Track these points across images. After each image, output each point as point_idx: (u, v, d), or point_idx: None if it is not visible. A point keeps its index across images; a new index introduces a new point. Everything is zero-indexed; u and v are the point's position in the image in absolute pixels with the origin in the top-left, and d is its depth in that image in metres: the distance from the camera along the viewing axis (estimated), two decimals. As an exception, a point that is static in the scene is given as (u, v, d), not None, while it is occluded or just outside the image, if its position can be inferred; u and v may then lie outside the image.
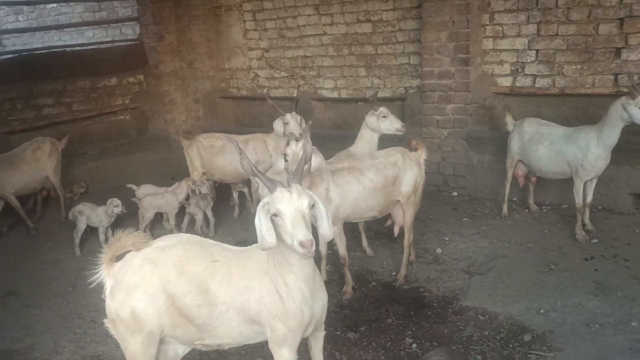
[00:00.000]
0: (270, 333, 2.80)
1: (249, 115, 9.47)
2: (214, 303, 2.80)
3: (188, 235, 3.13)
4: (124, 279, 2.87)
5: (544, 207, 6.21)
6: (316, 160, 4.28)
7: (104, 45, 10.07)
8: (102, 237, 6.09)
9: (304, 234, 2.46)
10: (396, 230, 5.00)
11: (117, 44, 10.01)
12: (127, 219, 6.58)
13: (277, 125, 5.93)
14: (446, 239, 5.67)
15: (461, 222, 6.06)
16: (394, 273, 5.10)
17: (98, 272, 2.98)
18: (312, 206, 2.58)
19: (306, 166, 4.31)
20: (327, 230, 2.66)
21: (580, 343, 3.75)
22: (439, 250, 5.45)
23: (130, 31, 10.48)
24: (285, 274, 2.70)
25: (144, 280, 2.82)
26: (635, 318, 3.96)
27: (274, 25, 8.71)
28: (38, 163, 6.76)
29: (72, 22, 11.27)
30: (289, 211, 2.51)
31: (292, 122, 5.71)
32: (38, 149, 6.79)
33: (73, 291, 5.21)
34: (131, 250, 2.96)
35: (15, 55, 9.24)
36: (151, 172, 9.07)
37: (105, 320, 3.00)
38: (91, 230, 6.24)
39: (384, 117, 5.41)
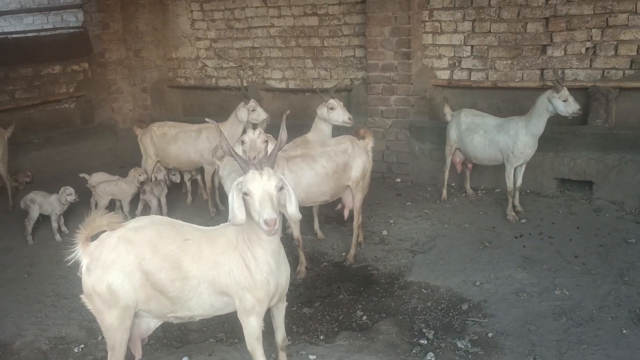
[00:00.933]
0: (239, 303, 3.07)
1: (197, 104, 9.58)
2: (186, 277, 3.04)
3: (160, 216, 3.34)
4: (100, 257, 3.06)
5: (479, 191, 6.74)
6: (271, 147, 4.53)
7: (46, 33, 9.84)
8: (54, 225, 6.12)
9: (269, 213, 2.70)
10: (346, 214, 5.35)
11: (60, 31, 9.82)
12: (78, 207, 6.62)
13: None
14: (391, 221, 6.08)
15: (405, 206, 6.48)
16: (343, 254, 5.45)
17: (74, 250, 3.14)
18: (281, 188, 2.84)
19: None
20: (294, 211, 2.92)
21: (510, 309, 4.23)
22: (385, 232, 5.85)
23: (72, 18, 10.30)
24: (254, 247, 2.97)
25: (119, 258, 3.02)
26: (558, 287, 4.48)
27: (221, 16, 8.85)
28: (-17, 152, 6.68)
29: (10, 8, 10.95)
30: (258, 191, 2.75)
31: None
32: (-18, 138, 6.70)
33: (29, 278, 5.26)
34: (106, 230, 3.14)
35: (-48, 41, 8.95)
36: (98, 161, 9.02)
37: (82, 296, 3.17)
38: (42, 219, 6.25)
39: (332, 109, 5.71)
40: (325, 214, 6.28)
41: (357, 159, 5.01)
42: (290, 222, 4.94)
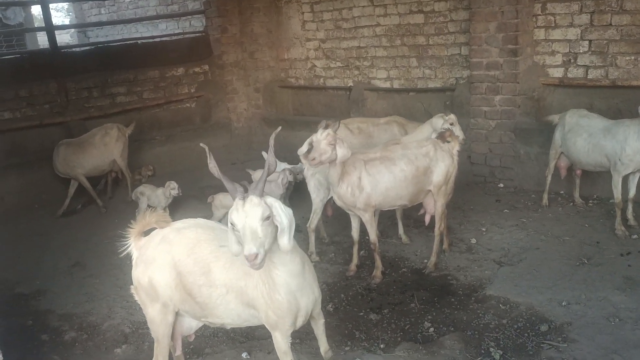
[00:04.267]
0: (264, 317, 3.04)
1: (307, 104, 9.78)
2: (214, 285, 3.06)
3: (205, 220, 3.42)
4: (145, 252, 3.25)
5: (590, 201, 6.12)
6: (341, 151, 4.47)
7: (173, 37, 10.66)
8: (160, 216, 6.62)
9: (247, 249, 2.56)
10: (427, 219, 5.15)
11: (186, 35, 10.58)
12: (185, 200, 7.11)
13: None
14: (483, 229, 5.73)
15: (501, 213, 6.08)
16: (425, 261, 5.24)
17: (127, 244, 3.36)
18: (267, 217, 2.64)
19: (338, 156, 4.55)
20: (286, 243, 2.72)
21: (596, 335, 3.79)
22: (473, 241, 5.53)
23: (198, 23, 11.05)
24: (270, 268, 2.89)
25: (159, 256, 3.17)
26: (659, 315, 3.93)
27: (330, 17, 8.93)
28: (106, 147, 7.40)
29: (147, 15, 12.03)
30: (240, 223, 2.62)
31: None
32: (106, 135, 7.43)
33: (130, 264, 5.70)
34: (156, 228, 3.32)
35: (93, 47, 10.02)
36: (215, 157, 9.58)
37: (131, 287, 3.39)
38: (154, 210, 6.77)
39: (452, 124, 5.43)
40: (415, 218, 6.08)
41: (439, 163, 4.79)
42: (366, 224, 4.86)
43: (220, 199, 6.06)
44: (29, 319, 4.75)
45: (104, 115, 8.76)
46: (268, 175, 2.85)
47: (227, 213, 5.74)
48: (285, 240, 2.74)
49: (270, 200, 2.73)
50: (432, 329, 4.14)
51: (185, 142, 9.52)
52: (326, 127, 4.54)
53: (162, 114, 9.65)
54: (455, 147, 4.94)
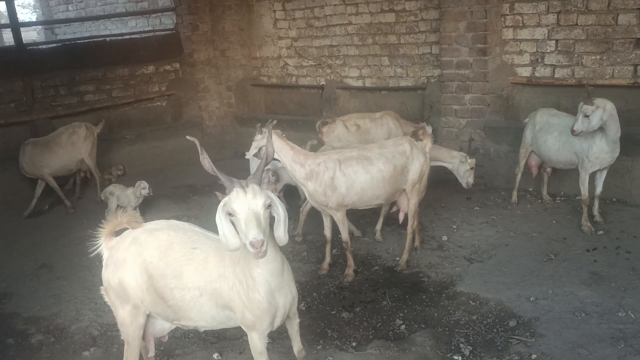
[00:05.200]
0: (241, 318, 2.99)
1: (279, 102, 9.76)
2: (187, 287, 3.01)
3: (178, 221, 3.36)
4: (116, 253, 3.19)
5: (557, 198, 6.24)
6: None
7: (143, 35, 10.50)
8: (130, 217, 6.52)
9: (254, 235, 2.52)
10: (401, 217, 5.18)
11: (156, 33, 10.44)
12: (156, 200, 7.02)
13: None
14: (454, 227, 5.80)
15: (472, 210, 6.16)
16: (397, 258, 5.27)
17: (98, 244, 3.31)
18: (269, 206, 2.65)
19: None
20: (282, 234, 2.74)
21: (563, 330, 3.86)
22: (444, 238, 5.59)
23: (169, 21, 10.89)
24: (251, 267, 2.82)
25: (130, 258, 3.11)
26: (623, 308, 4.03)
27: (302, 15, 8.92)
28: (73, 147, 7.25)
29: (116, 11, 11.82)
30: (243, 211, 2.57)
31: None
32: (73, 134, 7.28)
33: (100, 265, 5.58)
34: (127, 228, 3.27)
35: (60, 44, 9.80)
36: (185, 156, 9.47)
37: (101, 288, 3.34)
38: (122, 209, 6.66)
39: (471, 168, 5.56)
40: (388, 216, 6.09)
41: (415, 161, 4.81)
42: (338, 223, 4.87)
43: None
44: (-6, 323, 4.63)
45: (71, 113, 8.58)
46: (266, 164, 2.84)
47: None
48: (282, 231, 2.75)
49: (268, 191, 2.72)
50: (403, 327, 4.17)
51: (156, 141, 9.41)
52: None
53: (132, 113, 9.50)
54: (427, 145, 4.97)
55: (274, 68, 9.65)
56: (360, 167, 4.72)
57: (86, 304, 4.85)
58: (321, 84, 8.96)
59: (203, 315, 3.09)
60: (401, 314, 4.34)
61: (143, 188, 6.47)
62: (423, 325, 4.14)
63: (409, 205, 5.02)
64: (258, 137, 4.83)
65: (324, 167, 4.71)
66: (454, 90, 6.98)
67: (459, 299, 4.45)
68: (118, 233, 3.37)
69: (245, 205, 2.59)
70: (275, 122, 4.37)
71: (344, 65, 8.62)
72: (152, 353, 3.44)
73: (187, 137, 3.19)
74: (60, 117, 8.41)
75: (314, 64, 9.02)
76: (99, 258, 5.73)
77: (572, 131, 4.99)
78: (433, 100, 7.34)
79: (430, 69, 7.64)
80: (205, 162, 2.86)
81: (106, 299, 3.31)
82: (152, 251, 3.09)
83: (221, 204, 2.69)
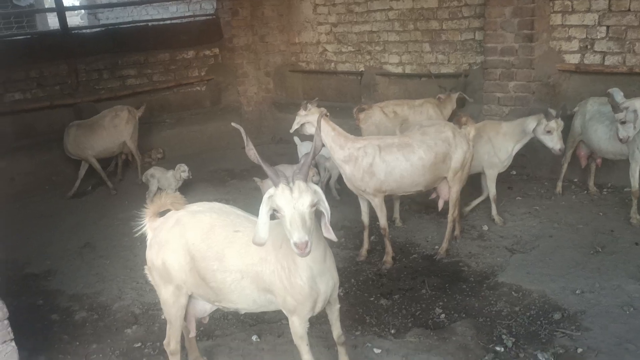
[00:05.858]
0: (282, 302, 2.98)
1: (317, 88, 9.70)
2: (229, 270, 3.01)
3: (220, 204, 3.35)
4: (159, 234, 3.21)
5: (604, 190, 6.04)
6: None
7: (183, 20, 10.57)
8: (170, 199, 6.60)
9: (299, 237, 2.49)
10: (440, 204, 5.10)
11: (196, 18, 10.50)
12: (195, 184, 7.08)
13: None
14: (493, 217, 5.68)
15: (514, 200, 6.02)
16: (436, 247, 5.20)
17: (142, 224, 3.34)
18: (315, 204, 2.60)
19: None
20: (329, 232, 2.74)
21: (609, 324, 3.74)
22: (485, 227, 5.48)
23: (209, 6, 10.92)
24: (293, 252, 2.76)
25: (172, 239, 3.13)
26: (675, 304, 3.88)
27: (342, 0, 8.82)
28: (116, 129, 7.37)
29: (157, -3, 11.93)
30: (288, 210, 2.54)
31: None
32: (116, 117, 7.40)
33: (141, 246, 5.63)
34: (171, 209, 3.29)
35: (103, 28, 9.96)
36: (224, 141, 9.56)
37: (145, 267, 3.37)
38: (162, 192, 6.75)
39: (549, 132, 5.11)
40: (426, 204, 6.03)
41: (458, 149, 4.71)
42: (376, 209, 4.82)
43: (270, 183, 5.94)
44: (39, 298, 4.77)
45: (114, 97, 8.73)
46: (314, 157, 2.79)
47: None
48: (330, 229, 2.73)
49: (314, 185, 2.67)
50: (443, 315, 4.11)
51: (195, 125, 9.50)
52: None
53: (172, 97, 9.60)
54: (471, 132, 4.86)
55: (313, 54, 9.58)
56: (400, 154, 4.64)
57: (128, 283, 4.94)
58: (360, 70, 8.87)
59: (244, 298, 3.10)
60: (441, 303, 4.28)
61: (183, 171, 6.54)
62: (464, 315, 4.07)
63: (450, 193, 4.93)
64: (302, 112, 4.85)
65: (364, 152, 4.66)
66: (497, 77, 6.80)
67: (500, 290, 4.36)
68: (162, 214, 3.40)
69: (290, 204, 2.55)
70: (317, 99, 4.39)
71: (384, 52, 8.50)
72: (193, 333, 3.48)
73: (233, 124, 3.19)
74: (103, 101, 8.57)
75: (353, 50, 8.92)
76: (140, 239, 5.82)
77: (620, 140, 4.85)
78: (475, 87, 7.17)
79: (473, 55, 7.46)
80: (251, 152, 2.83)
81: (149, 279, 3.35)
82: (194, 233, 3.10)
83: (267, 195, 2.66)
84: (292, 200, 2.56)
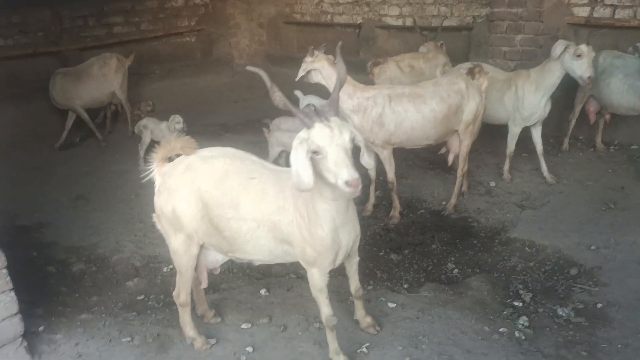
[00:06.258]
0: (301, 253, 2.82)
1: (313, 41, 9.29)
2: (244, 218, 2.83)
3: (233, 149, 3.15)
4: (168, 180, 3.01)
5: (611, 147, 5.93)
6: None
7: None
8: (164, 151, 6.35)
9: (350, 173, 2.33)
10: (450, 159, 4.95)
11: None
12: (191, 136, 6.76)
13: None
14: (502, 172, 5.55)
15: (520, 157, 5.87)
16: (443, 202, 5.09)
17: (150, 169, 3.13)
18: (354, 138, 2.46)
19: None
20: (368, 159, 2.65)
21: (627, 279, 3.67)
22: (492, 184, 5.36)
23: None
24: (315, 201, 2.63)
25: (183, 185, 2.93)
26: (692, 259, 3.82)
27: (341, -53, 8.45)
28: (105, 78, 7.04)
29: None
30: (332, 149, 2.36)
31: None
32: (105, 65, 7.06)
33: (136, 199, 5.52)
34: (180, 154, 3.08)
35: (89, -27, 9.45)
36: (215, 95, 9.28)
37: (153, 215, 3.18)
38: (154, 145, 6.47)
39: (579, 55, 4.64)
40: (430, 159, 5.89)
41: (470, 101, 4.53)
42: (384, 162, 4.66)
43: (277, 135, 5.66)
44: (32, 251, 4.55)
45: (100, 45, 8.35)
46: (340, 89, 2.61)
47: (282, 152, 5.50)
48: (367, 157, 2.64)
49: (345, 121, 2.51)
50: (456, 270, 4.01)
51: (185, 78, 9.20)
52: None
53: (162, 48, 9.24)
54: (484, 83, 4.68)
55: (308, 5, 9.22)
56: (411, 105, 4.45)
57: (126, 235, 4.75)
58: (358, 22, 8.56)
59: (260, 249, 2.93)
60: (452, 258, 4.18)
61: (177, 122, 6.26)
62: (477, 270, 3.97)
63: (460, 147, 4.78)
64: (308, 59, 4.63)
65: (373, 102, 4.46)
66: (504, 30, 6.58)
67: (513, 245, 4.26)
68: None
69: (333, 142, 2.37)
70: (325, 45, 4.19)
71: (383, 3, 8.18)
72: (204, 284, 3.31)
73: (249, 67, 2.95)
74: (89, 49, 8.19)
75: (350, 1, 8.59)
76: (134, 192, 5.67)
77: None
78: (480, 40, 6.95)
79: (478, 7, 7.20)
80: (276, 95, 2.60)
81: (158, 227, 3.16)
82: (207, 179, 2.91)
83: (297, 140, 2.45)
84: (333, 137, 2.38)
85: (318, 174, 2.49)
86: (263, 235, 2.86)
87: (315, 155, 2.43)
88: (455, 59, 6.88)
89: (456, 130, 4.69)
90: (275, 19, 9.52)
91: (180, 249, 3.05)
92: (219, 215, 2.87)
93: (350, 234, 2.84)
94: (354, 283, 3.20)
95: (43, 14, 8.03)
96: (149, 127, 6.31)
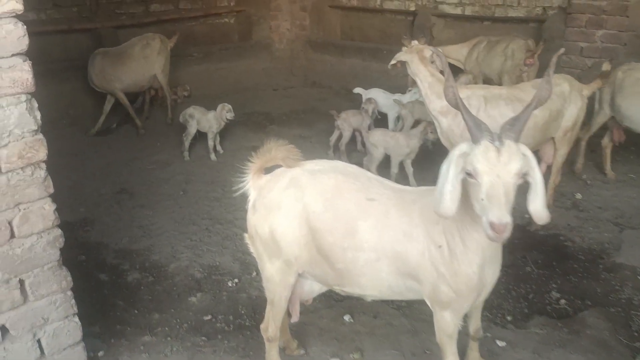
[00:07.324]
0: (431, 293, 2.35)
1: (357, 28, 8.85)
2: (362, 248, 2.37)
3: (345, 163, 2.68)
4: (268, 194, 2.53)
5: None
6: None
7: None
8: (210, 143, 5.88)
9: (499, 215, 1.89)
10: (543, 169, 4.43)
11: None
12: (230, 128, 6.32)
13: None
14: (589, 183, 5.08)
15: (602, 166, 5.38)
16: (526, 215, 4.58)
17: (244, 181, 2.65)
18: (525, 173, 1.99)
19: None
20: (541, 209, 2.06)
21: None
22: (578, 196, 4.88)
23: None
24: (466, 230, 2.19)
25: (287, 204, 2.47)
26: None
27: None
28: (146, 60, 6.56)
29: None
30: (489, 177, 1.93)
31: None
32: (147, 46, 6.57)
33: (184, 196, 5.08)
34: (281, 165, 2.60)
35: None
36: (254, 81, 8.79)
37: (245, 235, 2.71)
38: (200, 135, 6.01)
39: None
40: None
41: (572, 105, 4.05)
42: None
43: (377, 135, 5.06)
44: (80, 253, 4.10)
45: (136, 24, 7.86)
46: (536, 107, 2.12)
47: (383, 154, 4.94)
48: (540, 205, 2.05)
49: (524, 148, 2.01)
50: (563, 301, 3.53)
51: (223, 62, 8.69)
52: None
53: (199, 28, 8.72)
54: (591, 88, 4.19)
55: (357, -13, 8.65)
56: (509, 109, 3.95)
57: (180, 239, 4.30)
58: (411, 9, 8.02)
59: (377, 284, 2.46)
60: (554, 285, 3.70)
61: (228, 111, 5.79)
62: (588, 303, 3.49)
63: (554, 156, 4.29)
64: (404, 49, 4.12)
65: (467, 104, 3.95)
66: (583, 24, 6.05)
67: (621, 273, 3.77)
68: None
69: (494, 170, 1.92)
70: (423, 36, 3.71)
71: (442, -12, 7.64)
72: (295, 318, 2.84)
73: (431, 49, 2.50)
74: (125, 28, 7.69)
75: (405, -15, 8.04)
76: (181, 187, 5.21)
77: None
78: (553, 35, 6.40)
79: (550, -3, 6.65)
80: (450, 91, 2.15)
81: (251, 249, 2.70)
82: (315, 198, 2.44)
83: (457, 151, 2.02)
84: (497, 164, 1.92)
85: (468, 195, 2.06)
86: (383, 269, 2.39)
87: (469, 178, 1.99)
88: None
89: (552, 138, 4.20)
90: (319, 1, 8.95)
91: (276, 277, 2.59)
92: (331, 244, 2.41)
93: (496, 270, 2.38)
94: (476, 322, 2.74)
95: (77, -13, 7.52)
96: (195, 117, 5.83)
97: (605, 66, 4.71)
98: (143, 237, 4.34)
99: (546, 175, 4.42)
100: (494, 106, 3.95)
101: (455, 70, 5.90)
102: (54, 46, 7.35)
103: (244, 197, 2.67)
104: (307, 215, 2.44)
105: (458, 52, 6.42)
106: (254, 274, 3.82)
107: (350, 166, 2.62)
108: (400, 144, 4.93)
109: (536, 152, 4.34)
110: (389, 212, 2.37)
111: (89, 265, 3.95)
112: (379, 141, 5.00)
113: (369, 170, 5.10)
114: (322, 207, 2.43)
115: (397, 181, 5.14)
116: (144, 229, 4.47)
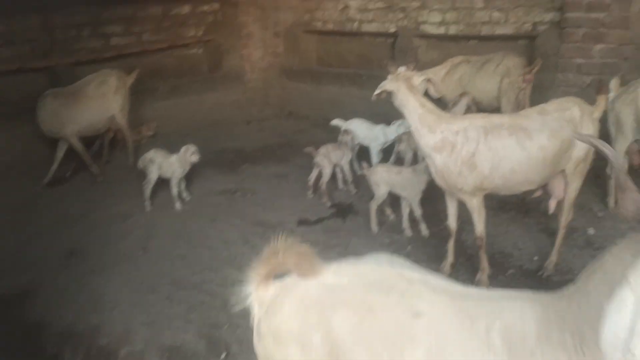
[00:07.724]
0: None
1: (335, 53, 8.34)
2: None
3: (374, 257, 1.99)
4: (274, 318, 1.87)
5: None
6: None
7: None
8: (174, 190, 5.23)
9: None
10: (552, 206, 3.86)
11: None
12: (199, 168, 5.68)
13: None
14: (599, 215, 4.53)
15: (604, 193, 4.85)
16: (535, 258, 4.05)
17: (244, 293, 1.94)
18: None
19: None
20: None
21: None
22: (591, 231, 4.33)
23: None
24: None
25: (300, 336, 1.82)
26: None
27: (370, -55, 7.42)
28: (103, 99, 5.95)
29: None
30: None
31: None
32: (103, 83, 5.97)
33: (144, 256, 4.42)
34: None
35: (82, -24, 8.36)
36: (225, 114, 8.23)
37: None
38: (163, 181, 5.36)
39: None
40: (499, 199, 4.81)
41: (584, 132, 3.49)
42: (472, 212, 3.60)
43: (380, 172, 4.54)
44: (12, 339, 3.41)
45: (96, 59, 7.23)
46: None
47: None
48: None
49: None
50: None
51: (191, 95, 8.13)
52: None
53: (165, 61, 8.16)
54: (600, 109, 3.64)
55: (332, 11, 8.16)
56: (513, 140, 3.39)
57: (135, 314, 3.62)
58: (391, 31, 7.52)
59: None
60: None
61: (192, 153, 5.16)
62: None
63: (566, 191, 3.72)
64: (389, 77, 3.56)
65: (464, 136, 3.40)
66: (579, 39, 5.57)
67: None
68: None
69: None
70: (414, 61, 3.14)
71: (422, 8, 7.15)
72: None
73: None
74: (83, 64, 7.07)
75: (382, 5, 7.55)
76: (141, 244, 4.54)
77: None
78: (547, 52, 5.91)
79: (540, 12, 6.17)
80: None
81: None
82: (340, 326, 1.75)
83: (631, 293, 1.31)
84: None
85: None
86: None
87: None
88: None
89: (562, 170, 3.64)
90: (292, 27, 8.44)
91: None
92: None
93: None
94: None
95: (31, 22, 6.91)
96: (156, 162, 5.17)
97: (615, 82, 4.19)
98: (91, 314, 3.65)
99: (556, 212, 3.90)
100: (495, 136, 3.38)
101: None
102: (5, 87, 6.73)
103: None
104: (329, 348, 1.75)
105: (436, 75, 5.90)
106: (224, 355, 3.17)
107: (384, 269, 1.88)
108: (411, 181, 4.38)
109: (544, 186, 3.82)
110: (447, 333, 1.66)
111: (22, 356, 3.26)
112: (382, 179, 4.44)
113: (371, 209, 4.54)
114: (350, 337, 1.74)
115: (393, 227, 4.62)
116: (93, 302, 3.79)
